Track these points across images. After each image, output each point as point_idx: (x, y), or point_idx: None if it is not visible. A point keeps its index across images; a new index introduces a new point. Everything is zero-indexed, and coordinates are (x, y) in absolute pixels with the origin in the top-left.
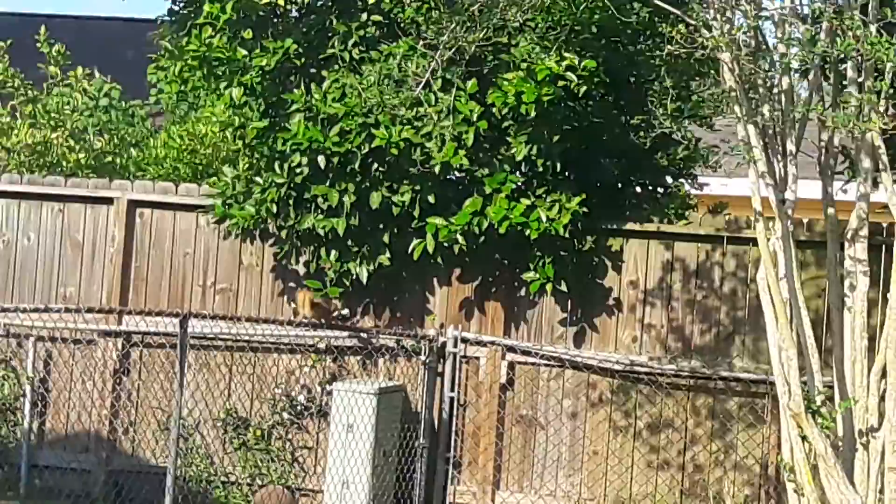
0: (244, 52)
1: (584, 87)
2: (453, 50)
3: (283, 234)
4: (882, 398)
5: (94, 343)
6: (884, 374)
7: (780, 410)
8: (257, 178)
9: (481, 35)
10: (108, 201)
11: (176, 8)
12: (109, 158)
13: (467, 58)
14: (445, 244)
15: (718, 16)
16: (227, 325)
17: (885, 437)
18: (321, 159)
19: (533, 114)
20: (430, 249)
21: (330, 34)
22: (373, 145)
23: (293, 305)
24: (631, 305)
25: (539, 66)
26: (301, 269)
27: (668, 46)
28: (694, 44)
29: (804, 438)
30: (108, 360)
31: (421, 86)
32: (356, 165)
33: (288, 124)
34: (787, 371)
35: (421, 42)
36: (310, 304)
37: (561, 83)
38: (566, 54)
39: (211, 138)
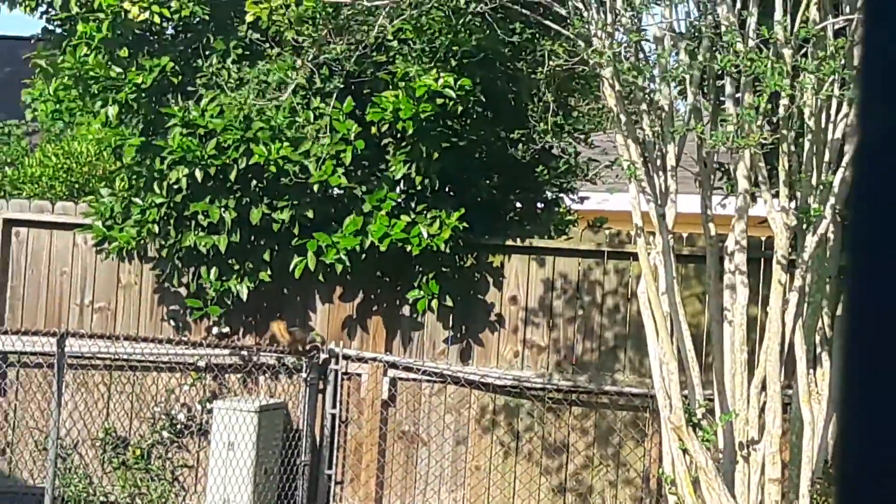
0: (119, 70)
1: (462, 106)
2: (329, 60)
3: (164, 253)
4: (762, 411)
5: None
6: (764, 387)
7: (662, 424)
8: (136, 200)
9: (357, 50)
10: None
11: (51, 27)
12: None
13: (346, 71)
14: (327, 262)
15: (600, 32)
16: (106, 344)
17: (765, 450)
18: (198, 172)
19: (411, 130)
20: (312, 267)
21: (207, 52)
22: (251, 161)
23: (268, 333)
24: (512, 321)
25: (417, 83)
26: (182, 291)
27: (550, 62)
28: (575, 58)
29: (685, 451)
30: None
31: (291, 89)
32: (233, 178)
33: (165, 140)
34: (667, 384)
35: (297, 58)
36: (286, 332)
37: (439, 101)
38: (443, 74)
39: (87, 157)
